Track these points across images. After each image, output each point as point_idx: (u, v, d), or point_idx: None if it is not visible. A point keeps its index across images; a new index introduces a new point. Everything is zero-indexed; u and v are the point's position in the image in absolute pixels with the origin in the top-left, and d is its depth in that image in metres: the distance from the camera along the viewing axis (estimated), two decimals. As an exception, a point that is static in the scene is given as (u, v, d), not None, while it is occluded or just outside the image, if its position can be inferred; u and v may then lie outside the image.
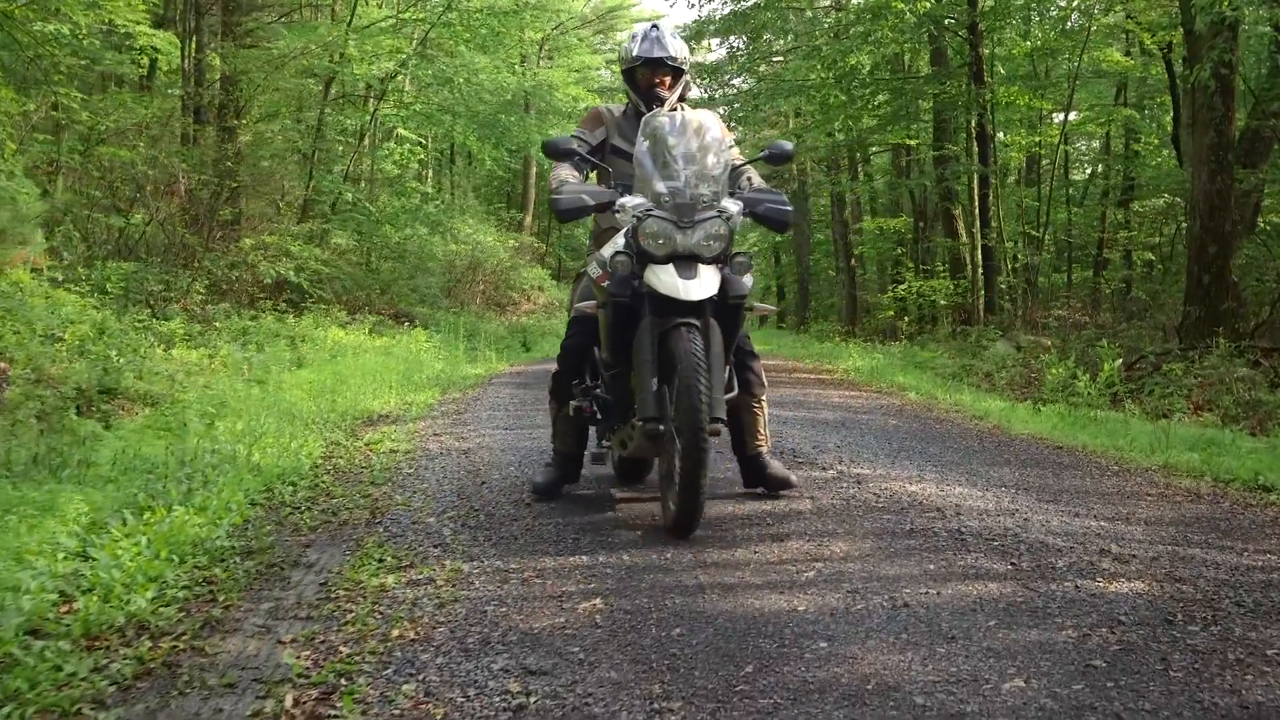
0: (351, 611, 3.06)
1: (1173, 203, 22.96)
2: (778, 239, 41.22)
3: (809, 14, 22.31)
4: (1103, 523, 4.14)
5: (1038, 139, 20.79)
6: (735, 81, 23.02)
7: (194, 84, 14.67)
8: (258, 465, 5.27)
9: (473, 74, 16.14)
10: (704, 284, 3.83)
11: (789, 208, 4.19)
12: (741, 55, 21.44)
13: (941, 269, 22.04)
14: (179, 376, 7.96)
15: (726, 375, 4.09)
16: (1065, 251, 23.28)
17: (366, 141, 21.98)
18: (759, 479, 4.57)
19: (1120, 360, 9.11)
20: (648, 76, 4.51)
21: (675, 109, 4.47)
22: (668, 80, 4.53)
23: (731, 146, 4.42)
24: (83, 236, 10.77)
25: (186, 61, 15.15)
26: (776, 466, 4.62)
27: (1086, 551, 3.60)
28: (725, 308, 3.95)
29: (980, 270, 19.40)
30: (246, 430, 6.23)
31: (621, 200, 4.05)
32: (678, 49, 4.52)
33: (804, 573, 3.35)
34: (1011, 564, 3.43)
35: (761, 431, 4.56)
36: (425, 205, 21.54)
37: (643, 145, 4.06)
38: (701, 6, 21.60)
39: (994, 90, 18.68)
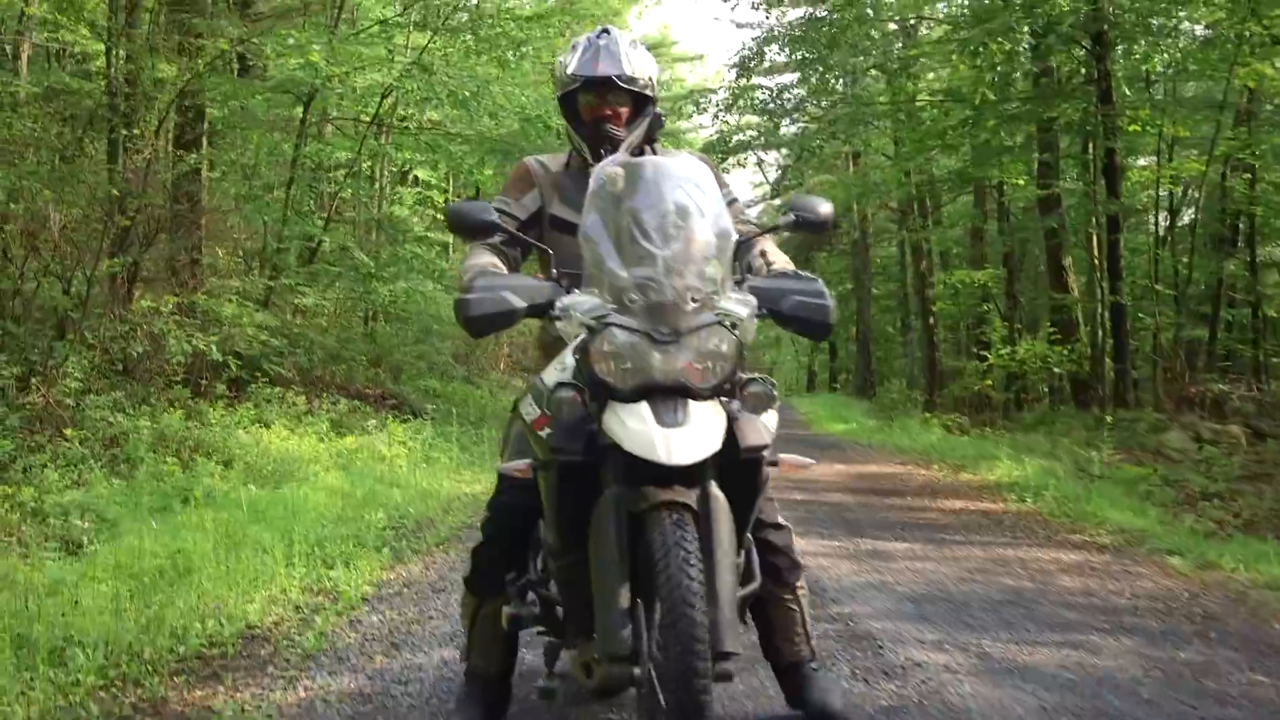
0: None
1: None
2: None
3: (890, 27, 18.74)
4: None
5: (1172, 171, 16.95)
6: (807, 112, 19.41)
7: (116, 96, 11.22)
8: None
9: (483, 86, 12.52)
10: (699, 437, 2.23)
11: (829, 301, 2.52)
12: (811, 76, 17.81)
13: (1052, 331, 18.33)
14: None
15: (742, 564, 2.52)
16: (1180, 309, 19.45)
17: (376, 181, 18.57)
18: (801, 701, 2.96)
19: None
20: (594, 105, 2.85)
21: (642, 153, 2.82)
22: (624, 111, 2.86)
23: (733, 201, 2.87)
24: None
25: (113, 70, 11.75)
26: (826, 688, 2.97)
27: None
28: (737, 467, 2.33)
29: (1108, 334, 16.04)
30: None
31: (564, 301, 2.39)
32: (640, 64, 2.83)
33: None
34: None
35: (802, 631, 2.99)
36: (441, 260, 18.07)
37: (592, 214, 2.41)
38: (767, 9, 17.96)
39: (1126, 112, 15.12)
